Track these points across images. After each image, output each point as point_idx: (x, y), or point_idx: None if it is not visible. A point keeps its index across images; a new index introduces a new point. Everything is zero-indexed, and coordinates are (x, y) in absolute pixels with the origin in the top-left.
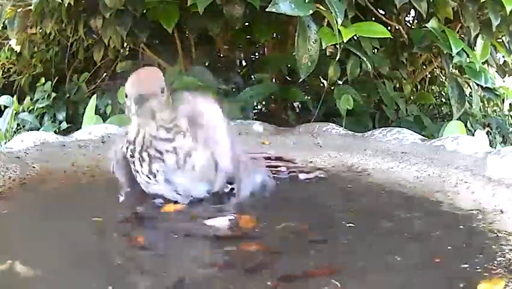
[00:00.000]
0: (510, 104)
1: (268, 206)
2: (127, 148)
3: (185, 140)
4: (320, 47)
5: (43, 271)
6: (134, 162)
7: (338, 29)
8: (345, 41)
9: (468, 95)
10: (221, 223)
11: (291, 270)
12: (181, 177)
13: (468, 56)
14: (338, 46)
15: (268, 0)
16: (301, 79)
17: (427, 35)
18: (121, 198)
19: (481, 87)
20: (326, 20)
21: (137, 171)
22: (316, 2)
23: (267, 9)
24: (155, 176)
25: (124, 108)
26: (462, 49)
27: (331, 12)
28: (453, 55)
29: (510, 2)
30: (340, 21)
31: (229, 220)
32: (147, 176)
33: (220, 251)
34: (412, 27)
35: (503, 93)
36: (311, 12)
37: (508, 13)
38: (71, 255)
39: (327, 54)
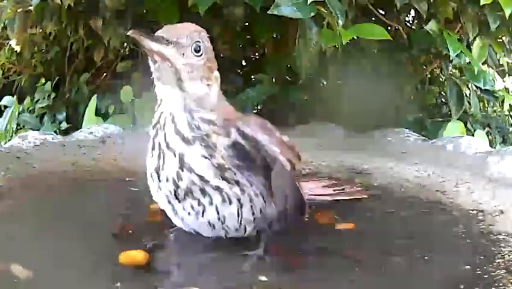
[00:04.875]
0: (510, 104)
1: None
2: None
3: (210, 164)
4: (320, 48)
5: (41, 271)
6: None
7: (339, 31)
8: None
9: (467, 96)
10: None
11: None
12: (196, 222)
13: (467, 57)
14: (338, 46)
15: (269, 1)
16: (302, 80)
17: (426, 37)
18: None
19: (480, 89)
20: (326, 21)
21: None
22: (317, 4)
23: (268, 12)
24: (159, 178)
25: (125, 108)
26: (461, 51)
27: (332, 14)
28: (451, 58)
29: (509, 4)
30: (340, 23)
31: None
32: (151, 174)
33: None
34: (413, 27)
35: (502, 95)
36: (312, 14)
37: (507, 16)
38: (71, 255)
39: (328, 54)
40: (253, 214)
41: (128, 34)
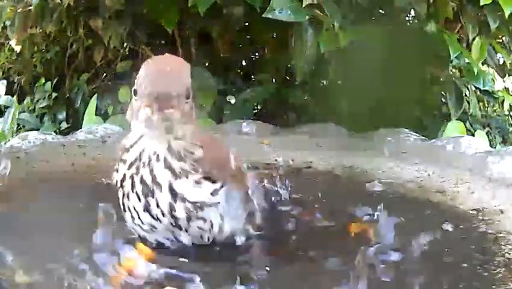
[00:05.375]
0: (510, 104)
1: None
2: (117, 169)
3: (199, 189)
4: (317, 50)
5: (40, 271)
6: (123, 192)
7: (336, 34)
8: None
9: (467, 96)
10: None
11: None
12: (183, 235)
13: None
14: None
15: (269, 1)
16: (299, 80)
17: (426, 38)
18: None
19: (479, 89)
20: (324, 25)
21: (127, 207)
22: (313, 7)
23: (263, 15)
24: (151, 215)
25: (124, 107)
26: (461, 52)
27: (328, 16)
28: (451, 59)
29: (509, 5)
30: (337, 25)
31: None
32: (138, 216)
33: None
34: (412, 27)
35: (502, 96)
36: (307, 18)
37: (506, 16)
38: (70, 255)
39: (327, 55)
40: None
41: None
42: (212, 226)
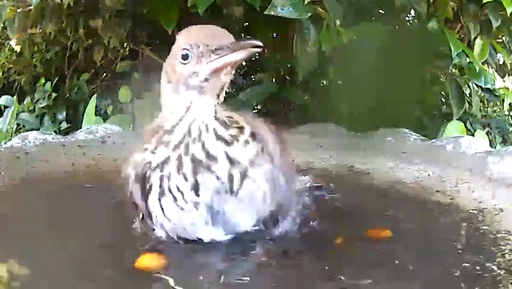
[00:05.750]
0: (510, 104)
1: None
2: (155, 150)
3: (248, 149)
4: (319, 48)
5: (40, 270)
6: (163, 173)
7: (338, 31)
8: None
9: (468, 95)
10: None
11: None
12: (231, 204)
13: (468, 57)
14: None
15: (268, 0)
16: (300, 80)
17: (427, 36)
18: (136, 225)
19: (481, 88)
20: (325, 22)
21: (167, 190)
22: (315, 4)
23: (265, 12)
24: (197, 194)
25: (124, 107)
26: (462, 50)
27: (329, 14)
28: (453, 57)
29: (510, 3)
30: (338, 23)
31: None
32: (182, 197)
33: None
34: (413, 26)
35: (503, 94)
36: (309, 14)
37: (508, 15)
38: (70, 255)
39: (328, 54)
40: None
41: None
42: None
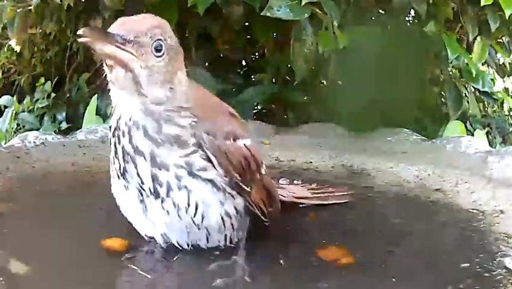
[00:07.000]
0: (510, 107)
1: None
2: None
3: (190, 157)
4: (317, 49)
5: (40, 270)
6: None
7: (335, 33)
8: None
9: (466, 96)
10: None
11: None
12: (156, 209)
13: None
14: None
15: (267, 1)
16: (297, 81)
17: (425, 38)
18: None
19: (478, 90)
20: (324, 23)
21: (112, 171)
22: (312, 5)
23: (261, 13)
24: (125, 179)
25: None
26: (460, 53)
27: (327, 15)
28: (450, 60)
29: (509, 5)
30: (336, 24)
31: None
32: (118, 178)
33: None
34: (412, 28)
35: (501, 98)
36: (306, 16)
37: (507, 17)
38: (70, 255)
39: (327, 55)
40: (236, 212)
41: (79, 33)
42: (189, 204)
